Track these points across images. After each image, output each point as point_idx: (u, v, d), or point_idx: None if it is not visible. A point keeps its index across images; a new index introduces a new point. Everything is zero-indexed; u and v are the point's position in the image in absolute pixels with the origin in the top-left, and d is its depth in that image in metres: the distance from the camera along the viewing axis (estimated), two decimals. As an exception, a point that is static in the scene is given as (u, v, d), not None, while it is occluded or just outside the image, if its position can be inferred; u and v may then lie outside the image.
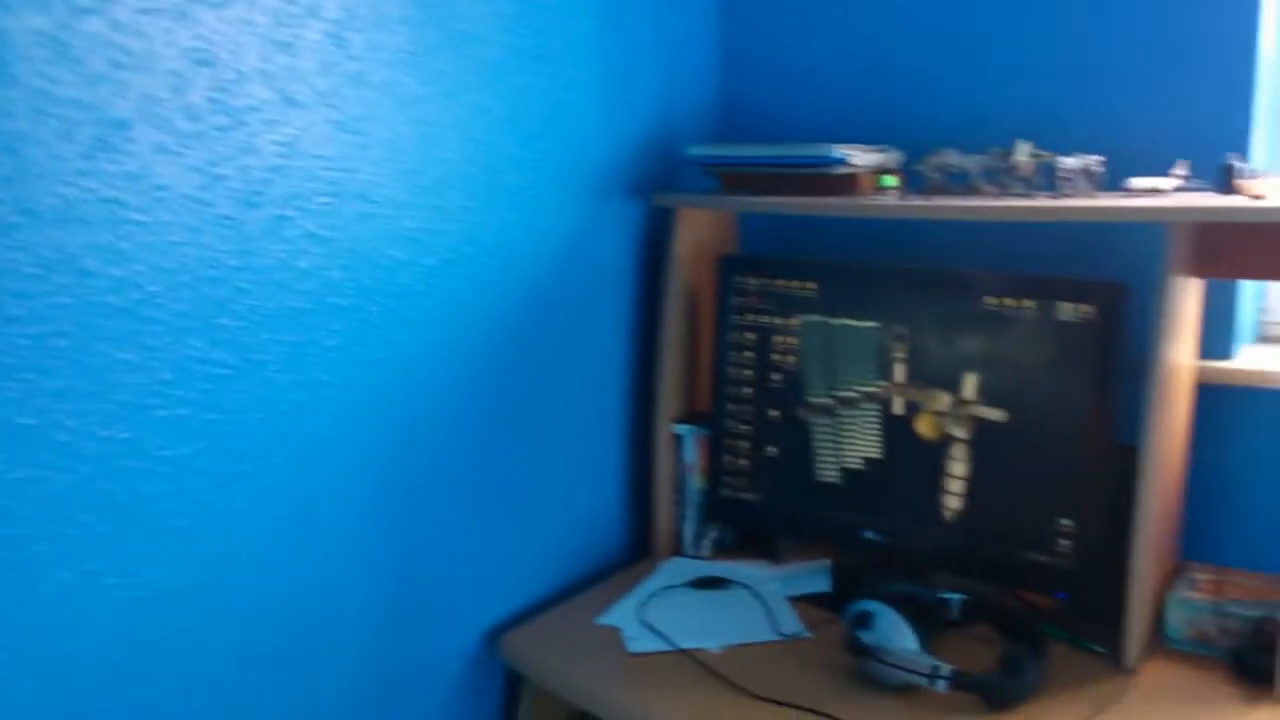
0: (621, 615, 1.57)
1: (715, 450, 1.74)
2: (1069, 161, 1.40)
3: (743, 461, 1.72)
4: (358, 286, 1.32)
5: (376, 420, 1.38)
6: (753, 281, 1.66)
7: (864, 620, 1.38)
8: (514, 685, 1.61)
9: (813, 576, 1.68)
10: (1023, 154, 1.42)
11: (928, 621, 1.42)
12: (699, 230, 1.77)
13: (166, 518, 1.15)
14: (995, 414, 1.49)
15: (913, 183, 1.57)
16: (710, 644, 1.48)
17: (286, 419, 1.27)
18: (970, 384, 1.50)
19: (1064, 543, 1.46)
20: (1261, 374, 1.56)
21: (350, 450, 1.35)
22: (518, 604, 1.63)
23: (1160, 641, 1.46)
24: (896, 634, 1.36)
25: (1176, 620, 1.45)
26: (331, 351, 1.30)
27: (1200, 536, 1.61)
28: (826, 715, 1.29)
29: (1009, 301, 1.46)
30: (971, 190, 1.48)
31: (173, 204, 1.11)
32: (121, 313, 1.08)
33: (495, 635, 1.57)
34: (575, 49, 1.60)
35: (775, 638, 1.50)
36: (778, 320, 1.65)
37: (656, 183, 1.78)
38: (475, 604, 1.57)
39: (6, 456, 1.01)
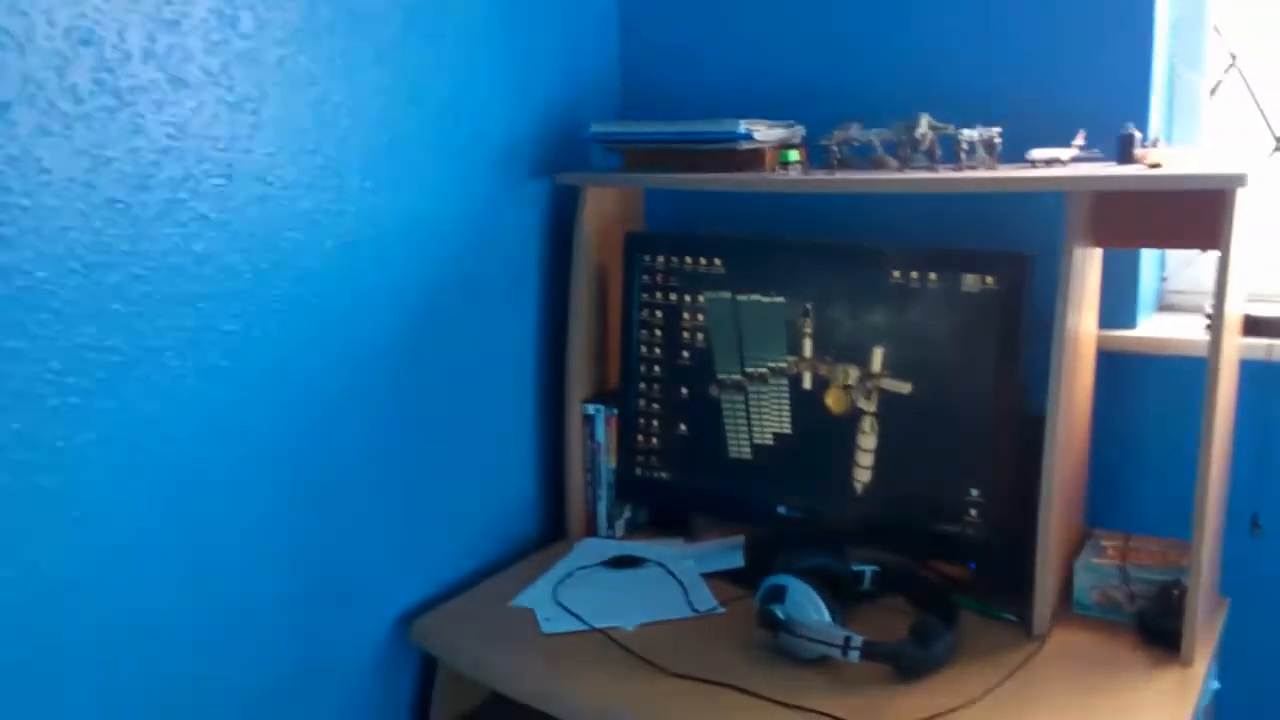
0: (536, 597, 1.61)
1: (626, 429, 1.79)
2: (970, 133, 1.47)
3: (654, 440, 1.77)
4: (255, 270, 1.34)
5: (280, 406, 1.40)
6: (659, 259, 1.71)
7: (776, 595, 1.44)
8: (429, 670, 1.64)
9: (727, 553, 1.74)
10: (924, 126, 1.49)
11: (841, 594, 1.48)
12: (605, 208, 1.81)
13: (63, 509, 1.17)
14: (903, 386, 1.56)
15: (816, 157, 1.63)
16: (625, 623, 1.52)
17: (185, 406, 1.28)
18: (878, 357, 1.56)
19: (973, 513, 1.53)
20: (1162, 341, 1.65)
21: (253, 437, 1.37)
22: (431, 589, 1.67)
23: (1069, 608, 1.53)
24: (809, 607, 1.41)
25: (1084, 586, 1.52)
26: (231, 336, 1.32)
27: (1106, 503, 1.70)
28: (740, 689, 1.35)
29: (914, 274, 1.52)
30: (875, 163, 1.54)
31: (58, 188, 1.12)
32: (7, 300, 1.09)
33: (409, 620, 1.60)
34: (475, 26, 1.63)
35: (690, 614, 1.55)
36: (685, 298, 1.70)
37: (561, 161, 1.81)
38: (387, 589, 1.60)
39: (-111, 450, 1.03)
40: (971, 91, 1.64)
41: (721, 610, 1.57)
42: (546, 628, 1.52)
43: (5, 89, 1.06)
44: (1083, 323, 1.48)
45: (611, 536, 1.82)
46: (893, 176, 1.47)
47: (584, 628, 1.51)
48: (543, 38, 1.76)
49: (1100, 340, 1.61)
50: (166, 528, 1.28)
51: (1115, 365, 1.65)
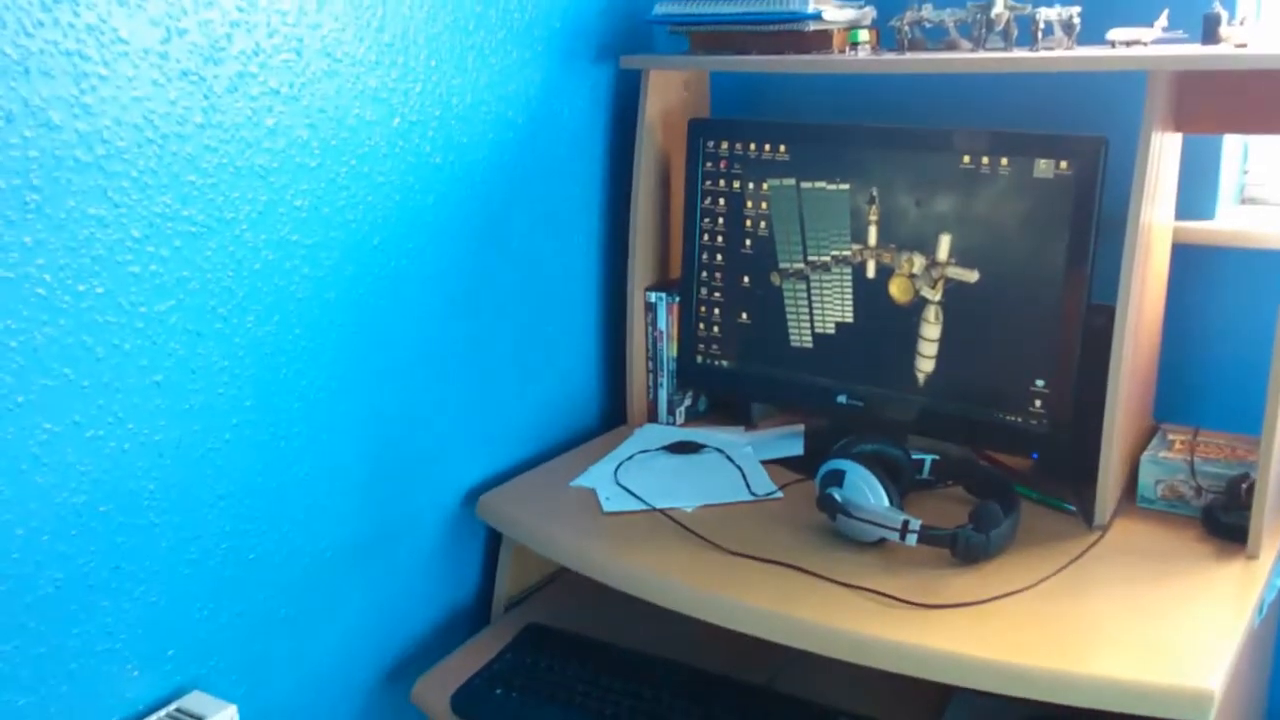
0: (597, 477, 1.67)
1: (687, 317, 1.83)
2: (1047, 12, 1.46)
3: (716, 329, 1.81)
4: (325, 146, 1.38)
5: (349, 282, 1.45)
6: (722, 146, 1.73)
7: (835, 478, 1.47)
8: (495, 544, 1.72)
9: (786, 441, 1.79)
10: (1000, 6, 1.48)
11: (900, 481, 1.52)
12: (669, 93, 1.83)
13: (145, 373, 1.23)
14: (969, 275, 1.57)
15: (886, 39, 1.62)
16: (684, 504, 1.58)
17: (258, 277, 1.34)
18: (944, 245, 1.58)
19: (1037, 404, 1.55)
20: (1241, 234, 1.64)
21: (324, 311, 1.43)
22: (497, 467, 1.74)
23: (1133, 502, 1.55)
24: (868, 491, 1.45)
25: (1149, 480, 1.54)
26: (301, 211, 1.37)
27: (1175, 397, 1.71)
28: (797, 568, 1.40)
29: (984, 159, 1.52)
30: (948, 45, 1.53)
31: (135, 58, 1.17)
32: (90, 167, 1.15)
33: (475, 496, 1.67)
34: (543, -100, 1.64)
35: (748, 498, 1.60)
36: (749, 185, 1.72)
37: (626, 45, 1.82)
38: (455, 466, 1.68)
39: (-18, 308, 1.09)
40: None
41: (779, 494, 1.61)
42: (607, 506, 1.58)
43: (83, -43, 1.11)
44: (1159, 212, 1.48)
45: (672, 423, 1.87)
46: (969, 57, 1.46)
47: (644, 507, 1.57)
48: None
49: (1176, 232, 1.61)
50: (240, 394, 1.35)
51: (1191, 258, 1.65)
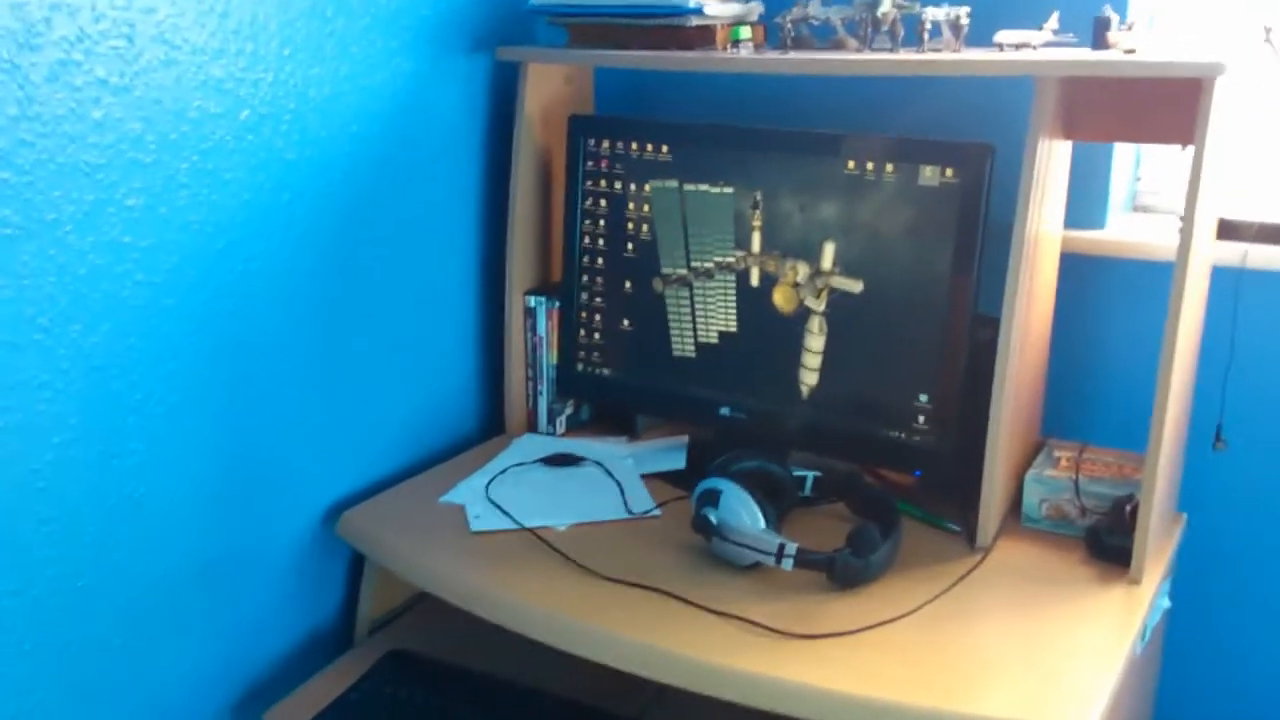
0: (467, 493, 1.61)
1: (568, 323, 1.76)
2: (934, 12, 1.42)
3: (597, 335, 1.75)
4: (162, 140, 1.29)
5: (194, 286, 1.36)
6: (604, 145, 1.66)
7: (711, 498, 1.42)
8: (359, 565, 1.64)
9: (669, 453, 1.73)
10: (887, 5, 1.43)
11: (780, 499, 1.48)
12: (549, 88, 1.76)
13: (-52, 390, 1.15)
14: (854, 285, 1.53)
15: (772, 37, 1.57)
16: (557, 522, 1.52)
17: (84, 283, 1.24)
18: (829, 253, 1.53)
19: (921, 419, 1.52)
20: (1130, 244, 1.63)
21: (165, 317, 1.34)
22: (362, 481, 1.66)
23: (1018, 521, 1.53)
24: (744, 512, 1.40)
25: (1034, 498, 1.52)
26: (134, 211, 1.27)
27: (1064, 411, 1.69)
28: (670, 594, 1.35)
29: (870, 165, 1.48)
30: (834, 44, 1.49)
31: (-67, 43, 1.08)
32: (-122, 164, 1.06)
33: (337, 513, 1.59)
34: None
35: (625, 516, 1.55)
36: (630, 186, 1.66)
37: (504, 35, 1.75)
38: (315, 480, 1.59)
39: None
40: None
41: (658, 512, 1.56)
42: (475, 525, 1.52)
43: None
44: (1046, 221, 1.45)
45: (552, 433, 1.81)
46: (850, 58, 1.42)
47: (514, 526, 1.51)
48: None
49: (1065, 241, 1.59)
50: (65, 410, 1.25)
51: (1080, 268, 1.63)
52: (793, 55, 1.44)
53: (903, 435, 1.53)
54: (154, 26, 1.26)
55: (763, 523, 1.40)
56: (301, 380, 1.54)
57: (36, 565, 1.25)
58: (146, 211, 1.29)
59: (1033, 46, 1.42)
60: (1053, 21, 1.43)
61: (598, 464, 1.69)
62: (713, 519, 1.41)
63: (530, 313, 1.78)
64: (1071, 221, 1.59)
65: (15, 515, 1.22)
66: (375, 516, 1.57)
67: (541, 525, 1.51)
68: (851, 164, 1.49)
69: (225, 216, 1.39)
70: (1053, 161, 1.43)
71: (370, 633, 1.62)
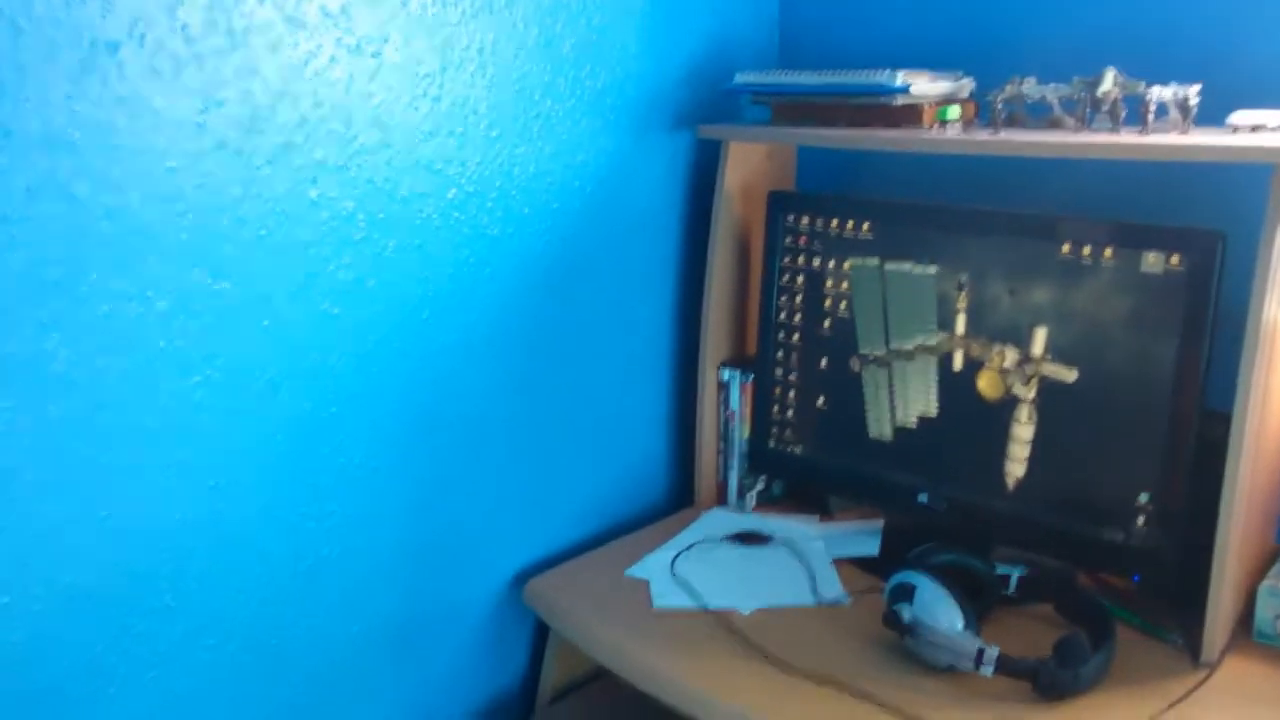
0: (653, 567, 1.55)
1: (761, 398, 1.69)
2: (1161, 91, 1.29)
3: (790, 413, 1.67)
4: (371, 219, 1.31)
5: (395, 357, 1.38)
6: (803, 221, 1.60)
7: (905, 593, 1.32)
8: (543, 633, 1.61)
9: (863, 538, 1.63)
10: (1109, 83, 1.32)
11: (981, 597, 1.37)
12: (750, 165, 1.70)
13: (167, 450, 1.17)
14: (1067, 374, 1.40)
15: (983, 115, 1.47)
16: (742, 605, 1.45)
17: (295, 353, 1.27)
18: (1040, 339, 1.41)
19: (1141, 519, 1.37)
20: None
21: (366, 387, 1.35)
22: (551, 549, 1.64)
23: (1248, 635, 1.36)
24: (941, 610, 1.29)
25: (1267, 611, 1.35)
26: (343, 285, 1.30)
27: (1303, 517, 1.51)
28: (856, 692, 1.25)
29: (1086, 249, 1.36)
30: (1050, 123, 1.38)
31: (167, 129, 1.11)
32: (114, 241, 1.10)
33: (524, 580, 1.57)
34: (618, -37, 1.54)
35: (813, 602, 1.46)
36: (829, 263, 1.58)
37: (706, 114, 1.71)
38: (505, 547, 1.58)
39: (-6, 386, 1.04)
40: (1166, 42, 1.45)
41: (847, 601, 1.46)
42: (658, 603, 1.46)
43: (115, 28, 1.05)
44: (1285, 312, 1.30)
45: (742, 509, 1.74)
46: (1066, 140, 1.31)
47: (696, 606, 1.44)
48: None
49: (1307, 333, 1.42)
50: (276, 474, 1.28)
51: (1324, 362, 1.44)
52: (1004, 136, 1.34)
53: (1120, 536, 1.38)
54: (370, 111, 1.28)
55: (961, 623, 1.29)
56: (495, 449, 1.53)
57: (233, 622, 1.28)
58: (355, 285, 1.31)
59: (1270, 129, 1.27)
60: (1295, 100, 1.29)
61: (786, 544, 1.60)
62: (906, 616, 1.30)
63: (724, 386, 1.72)
64: (1315, 311, 1.42)
65: (217, 572, 1.25)
66: (561, 585, 1.54)
67: (725, 607, 1.44)
68: (1067, 247, 1.37)
69: (429, 290, 1.40)
70: (1293, 249, 1.28)
71: (552, 701, 1.59)
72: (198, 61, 1.12)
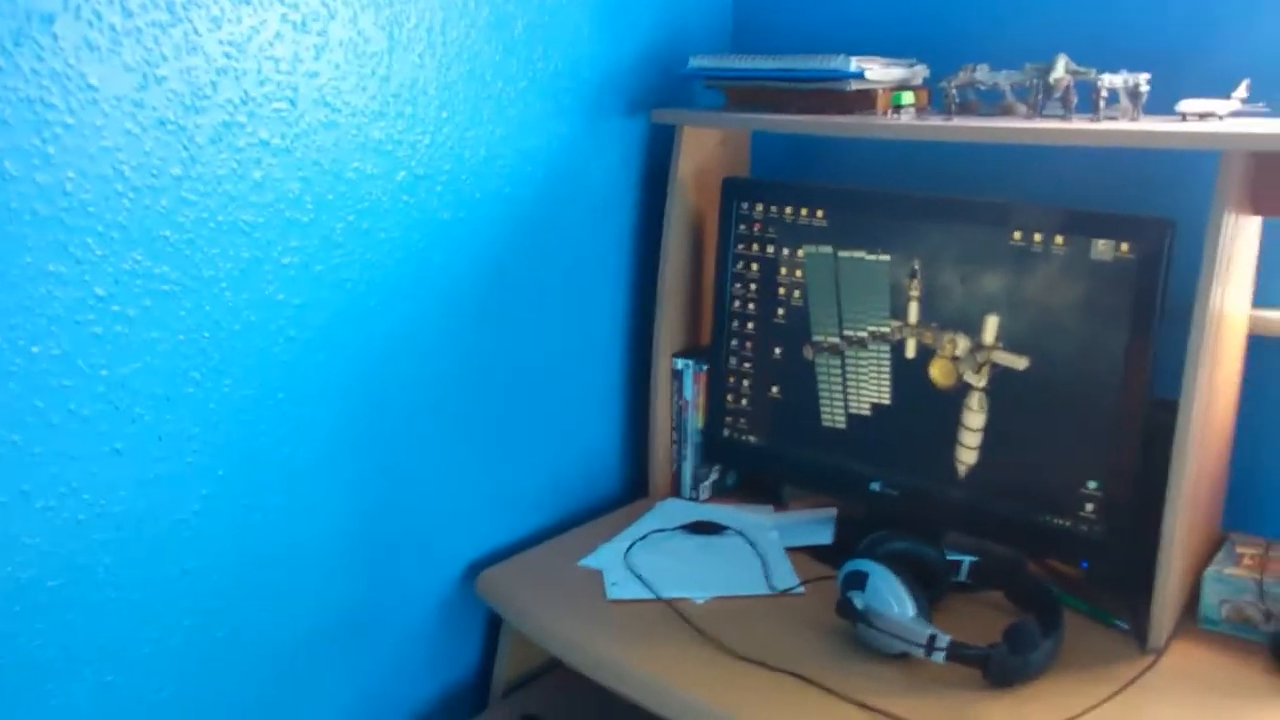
0: (607, 558, 1.54)
1: (715, 388, 1.68)
2: (1112, 79, 1.30)
3: (744, 401, 1.66)
4: (319, 200, 1.28)
5: (343, 344, 1.35)
6: (757, 208, 1.58)
7: (857, 581, 1.32)
8: (496, 625, 1.59)
9: (816, 526, 1.63)
10: (1060, 70, 1.32)
11: (932, 584, 1.37)
12: (705, 151, 1.69)
13: (104, 439, 1.14)
14: (1018, 361, 1.41)
15: (936, 101, 1.47)
16: (696, 594, 1.43)
17: (238, 338, 1.24)
18: (991, 327, 1.41)
19: (1089, 506, 1.38)
20: (1327, 326, 1.45)
21: (313, 374, 1.32)
22: (503, 539, 1.62)
23: (1194, 621, 1.37)
24: (892, 597, 1.29)
25: (1212, 598, 1.36)
26: (289, 269, 1.27)
27: (1247, 505, 1.52)
28: (809, 680, 1.25)
29: (1038, 236, 1.36)
30: (1002, 110, 1.38)
31: (105, 106, 1.07)
32: (49, 221, 1.05)
33: (478, 569, 1.55)
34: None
35: (766, 591, 1.45)
36: (784, 251, 1.57)
37: (661, 98, 1.69)
38: (456, 537, 1.56)
39: (-80, 371, 1.00)
40: (1117, 31, 1.46)
41: (801, 589, 1.46)
42: (612, 593, 1.45)
43: (50, 1, 1.02)
44: (1231, 300, 1.30)
45: (695, 499, 1.73)
46: (1018, 125, 1.31)
47: (651, 596, 1.43)
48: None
49: (1253, 322, 1.43)
50: (213, 463, 1.24)
51: (1269, 350, 1.46)
52: (956, 122, 1.34)
53: (1069, 523, 1.39)
54: (316, 90, 1.25)
55: (912, 610, 1.28)
56: (446, 438, 1.51)
57: (177, 614, 1.24)
58: (301, 269, 1.28)
59: (1219, 116, 1.28)
60: (1242, 90, 1.29)
61: (740, 534, 1.59)
62: (859, 604, 1.30)
63: (678, 375, 1.70)
64: (1260, 300, 1.43)
65: (159, 564, 1.21)
66: (514, 577, 1.52)
67: (679, 597, 1.43)
68: (1018, 235, 1.37)
69: (378, 275, 1.37)
70: (1239, 238, 1.29)
71: (505, 694, 1.57)
72: (136, 35, 1.08)
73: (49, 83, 1.03)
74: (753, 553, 1.55)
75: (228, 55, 1.16)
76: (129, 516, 1.17)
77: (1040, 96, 1.35)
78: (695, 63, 1.56)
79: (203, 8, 1.13)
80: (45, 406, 1.08)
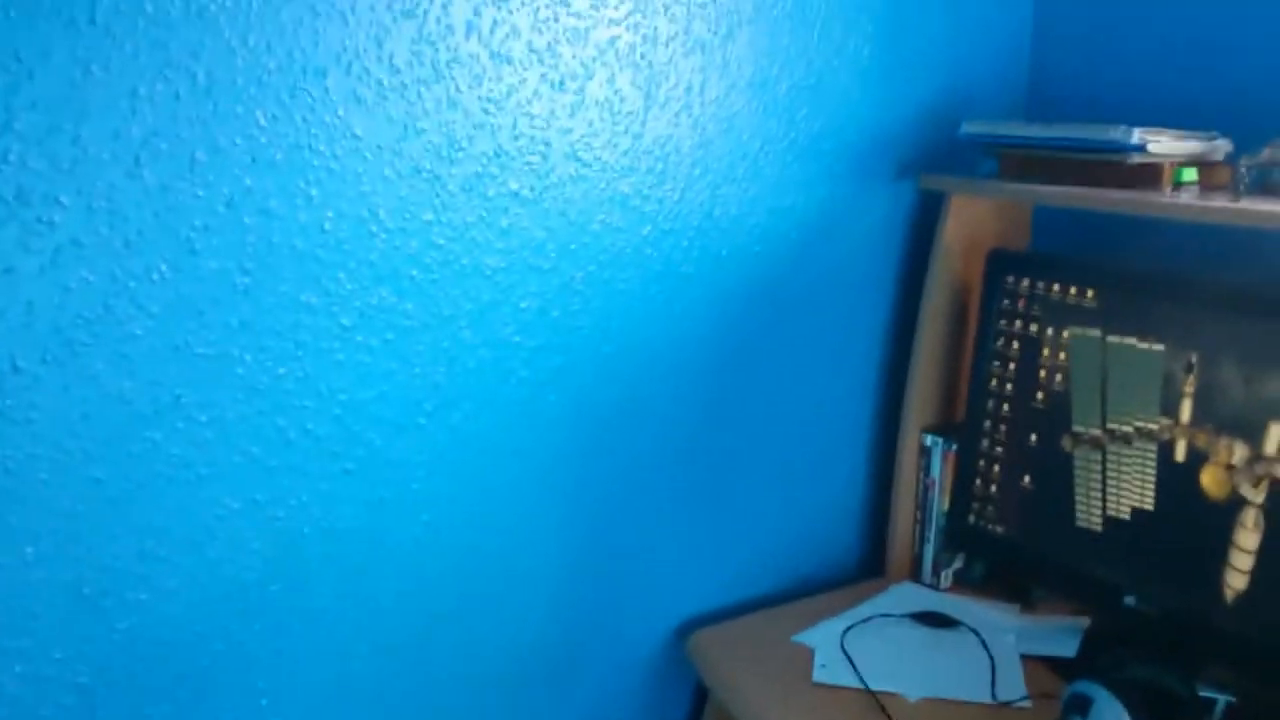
0: (822, 636, 1.48)
1: (964, 470, 1.58)
2: None
3: (993, 488, 1.54)
4: (562, 249, 1.33)
5: (573, 388, 1.38)
6: (1023, 283, 1.48)
7: (1080, 705, 1.19)
8: (703, 694, 1.57)
9: (1061, 636, 1.49)
10: (1383, 152, 1.15)
11: (1176, 720, 1.21)
12: (975, 221, 1.60)
13: (336, 459, 1.23)
14: (1308, 479, 1.23)
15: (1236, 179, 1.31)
16: (908, 691, 1.35)
17: (472, 375, 1.30)
18: (1275, 436, 1.24)
19: (1389, 656, 1.18)
20: None
21: (541, 415, 1.37)
22: (724, 600, 1.60)
23: None
24: (1119, 729, 1.16)
25: None
26: (527, 313, 1.32)
27: None
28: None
29: (1341, 339, 1.19)
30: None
31: (366, 154, 1.17)
32: (306, 256, 1.16)
33: (692, 629, 1.53)
34: (842, 3, 1.48)
35: (987, 700, 1.34)
36: (1048, 331, 1.46)
37: (932, 161, 1.62)
38: (674, 593, 1.55)
39: (183, 383, 1.12)
40: None
41: (1027, 703, 1.34)
42: (818, 675, 1.39)
43: (324, 56, 1.12)
44: None
45: (935, 586, 1.63)
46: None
47: (858, 684, 1.36)
48: (926, 20, 1.57)
49: None
50: (440, 492, 1.31)
51: None
52: (1243, 205, 1.19)
53: (1355, 675, 1.19)
54: (568, 145, 1.30)
55: (1141, 748, 1.15)
56: (674, 491, 1.51)
57: (391, 637, 1.32)
58: (538, 314, 1.33)
59: None
60: None
61: (975, 631, 1.49)
62: (1078, 732, 1.18)
63: (925, 452, 1.62)
64: None
65: (376, 584, 1.29)
66: (725, 642, 1.49)
67: (889, 690, 1.35)
68: (1317, 334, 1.20)
69: (614, 324, 1.40)
70: None
71: (705, 760, 1.55)
72: (400, 91, 1.18)
73: (317, 131, 1.14)
74: (984, 654, 1.44)
75: (485, 110, 1.24)
76: (352, 535, 1.26)
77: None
78: (968, 128, 1.47)
79: (465, 66, 1.21)
80: (285, 424, 1.19)
